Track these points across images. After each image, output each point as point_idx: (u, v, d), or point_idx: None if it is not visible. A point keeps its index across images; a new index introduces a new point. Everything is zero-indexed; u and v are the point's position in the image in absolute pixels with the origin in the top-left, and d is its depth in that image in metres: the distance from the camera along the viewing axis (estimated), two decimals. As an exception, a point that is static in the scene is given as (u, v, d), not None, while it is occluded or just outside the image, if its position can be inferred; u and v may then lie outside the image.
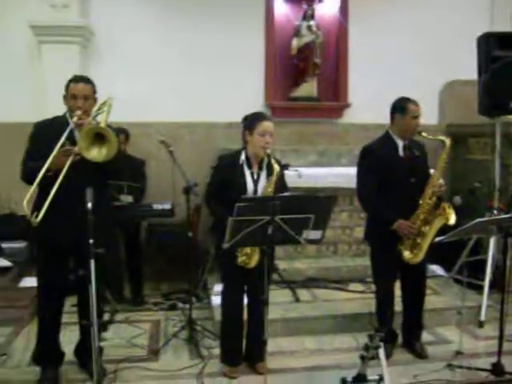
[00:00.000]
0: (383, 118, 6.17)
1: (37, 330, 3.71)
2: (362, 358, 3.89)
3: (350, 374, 3.76)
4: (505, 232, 3.69)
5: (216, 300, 4.93)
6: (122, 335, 4.58)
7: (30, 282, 4.91)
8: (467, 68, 6.05)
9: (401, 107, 4.02)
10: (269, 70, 6.26)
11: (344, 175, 5.53)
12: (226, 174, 3.81)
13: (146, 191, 5.38)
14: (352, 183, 5.36)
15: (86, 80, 3.57)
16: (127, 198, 4.87)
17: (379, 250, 4.17)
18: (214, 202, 3.86)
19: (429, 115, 6.34)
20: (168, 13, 6.10)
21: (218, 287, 5.22)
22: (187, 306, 5.19)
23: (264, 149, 3.71)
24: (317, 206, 3.22)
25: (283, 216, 3.13)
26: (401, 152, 4.06)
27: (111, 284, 5.00)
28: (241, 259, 3.75)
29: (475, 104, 5.32)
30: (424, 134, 3.97)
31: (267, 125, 3.76)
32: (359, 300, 5.04)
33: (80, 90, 3.48)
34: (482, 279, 5.38)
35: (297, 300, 4.99)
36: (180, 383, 3.82)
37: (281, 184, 3.84)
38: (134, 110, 5.60)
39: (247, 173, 3.81)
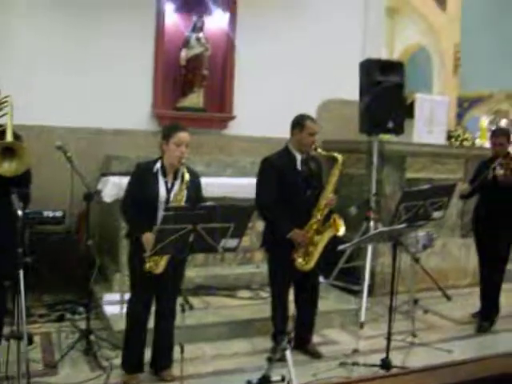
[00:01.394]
0: (266, 130, 6.56)
1: None
2: (270, 359, 4.09)
3: (253, 377, 3.94)
4: (394, 240, 4.10)
5: (110, 310, 4.87)
6: (12, 350, 4.33)
7: None
8: (345, 88, 6.57)
9: (299, 123, 4.29)
10: (157, 78, 6.27)
11: (231, 185, 5.72)
12: (141, 181, 3.83)
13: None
14: (239, 193, 5.62)
15: None
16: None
17: (276, 256, 4.39)
18: (129, 210, 3.86)
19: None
20: (59, 15, 5.89)
21: (109, 297, 5.16)
22: (76, 316, 5.09)
23: (179, 158, 3.76)
24: (236, 214, 3.34)
25: (205, 225, 3.22)
26: (298, 165, 4.31)
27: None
28: (148, 265, 3.75)
29: (351, 122, 5.80)
30: (319, 150, 4.26)
31: (183, 135, 3.82)
32: (250, 306, 5.24)
33: None
34: (356, 284, 5.86)
35: (190, 308, 5.05)
36: (84, 396, 3.73)
37: (196, 194, 3.89)
38: (18, 113, 5.31)
39: (161, 181, 3.83)
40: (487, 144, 7.64)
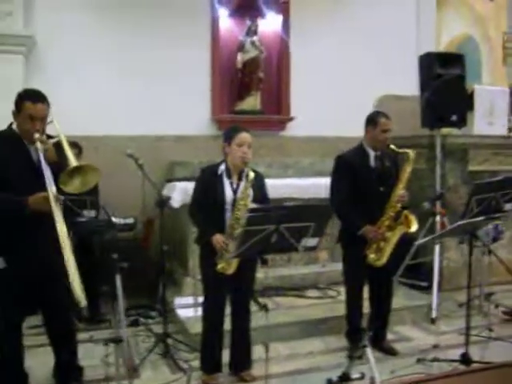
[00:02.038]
0: (323, 130, 6.56)
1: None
2: (350, 357, 4.11)
3: (331, 375, 3.95)
4: (470, 234, 4.05)
5: (183, 313, 4.95)
6: (93, 355, 4.44)
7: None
8: (398, 83, 6.53)
9: (372, 120, 4.30)
10: (215, 83, 6.36)
11: (294, 186, 5.74)
12: (207, 186, 3.88)
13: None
14: (301, 193, 5.64)
15: (43, 99, 3.32)
16: (90, 213, 4.74)
17: (350, 253, 4.40)
18: (198, 214, 3.92)
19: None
20: (115, 25, 6.03)
21: (181, 300, 5.24)
22: (149, 321, 5.19)
23: (242, 159, 3.81)
24: (316, 214, 3.36)
25: (288, 225, 3.24)
26: (372, 162, 4.31)
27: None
28: (220, 266, 3.80)
29: (406, 118, 5.75)
30: (392, 146, 4.25)
31: (244, 136, 3.87)
32: (320, 305, 5.25)
33: (38, 112, 3.26)
34: (423, 280, 5.81)
35: (266, 309, 5.07)
36: (170, 398, 3.81)
37: (261, 194, 3.94)
38: (78, 123, 5.44)
39: (226, 183, 3.87)
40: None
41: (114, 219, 4.82)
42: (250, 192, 3.79)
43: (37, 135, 3.23)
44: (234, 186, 3.88)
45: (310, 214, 3.31)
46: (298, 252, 3.46)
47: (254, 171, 3.84)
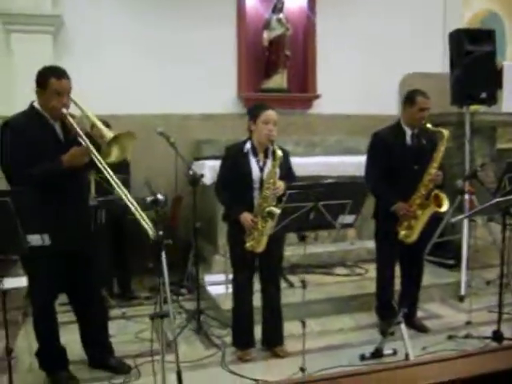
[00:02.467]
0: (349, 108, 6.54)
1: (38, 334, 3.63)
2: (383, 333, 4.14)
3: (363, 351, 3.99)
4: (503, 212, 4.04)
5: (214, 290, 5.00)
6: (126, 331, 4.53)
7: (13, 282, 4.72)
8: (425, 61, 6.48)
9: (409, 99, 4.27)
10: (241, 62, 6.35)
11: (322, 164, 5.74)
12: (233, 164, 3.89)
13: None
14: (329, 171, 5.63)
15: (65, 74, 3.37)
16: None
17: (382, 230, 4.41)
18: (223, 192, 3.95)
19: (391, 105, 6.76)
20: (140, 5, 6.03)
21: (211, 277, 5.30)
22: (180, 297, 5.25)
23: (268, 136, 3.80)
24: (353, 191, 3.37)
25: (326, 202, 3.26)
26: (408, 140, 4.29)
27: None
28: (249, 244, 3.83)
29: (433, 96, 5.69)
30: (428, 125, 4.21)
31: (270, 113, 3.86)
32: (348, 283, 5.30)
33: (64, 87, 3.32)
34: (450, 258, 5.81)
35: (291, 285, 5.13)
36: (207, 372, 3.86)
37: (287, 171, 3.94)
38: (104, 102, 5.46)
39: (253, 161, 3.88)
40: None
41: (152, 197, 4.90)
42: (277, 170, 3.78)
43: (65, 110, 3.30)
44: (261, 163, 3.89)
45: (347, 192, 3.33)
46: (336, 229, 3.49)
47: (281, 148, 3.83)
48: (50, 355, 3.65)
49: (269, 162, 3.86)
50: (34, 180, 3.19)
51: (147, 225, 2.87)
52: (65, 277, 3.60)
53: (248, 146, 3.91)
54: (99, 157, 3.21)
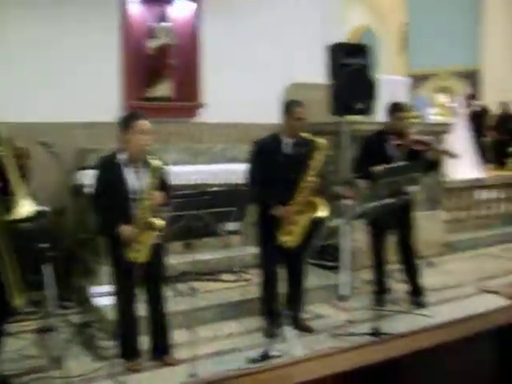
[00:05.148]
0: (235, 116, 6.67)
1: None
2: (268, 336, 4.27)
3: (251, 354, 4.11)
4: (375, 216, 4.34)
5: (101, 301, 4.90)
6: (8, 348, 4.32)
7: None
8: (308, 73, 6.75)
9: (287, 109, 4.44)
10: (125, 70, 6.28)
11: (205, 172, 5.82)
12: (107, 175, 3.84)
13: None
14: (213, 179, 5.73)
15: None
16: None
17: (264, 236, 4.53)
18: (99, 205, 3.89)
19: (275, 114, 6.96)
20: (24, 10, 5.82)
21: (97, 289, 5.18)
22: (66, 311, 5.10)
23: (144, 146, 3.79)
24: (237, 198, 3.50)
25: (210, 210, 3.34)
26: (285, 148, 4.45)
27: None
28: (131, 255, 3.79)
29: (315, 105, 5.97)
30: (303, 134, 4.40)
31: (144, 123, 3.84)
32: (236, 288, 5.37)
33: None
34: (331, 261, 6.09)
35: (179, 294, 5.14)
36: (96, 386, 3.80)
37: (163, 182, 3.90)
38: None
39: (128, 171, 3.84)
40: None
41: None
42: (154, 180, 3.74)
43: None
44: (137, 174, 3.84)
45: (230, 199, 3.42)
46: (221, 236, 3.58)
47: (156, 159, 3.79)
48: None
49: (145, 173, 3.81)
50: None
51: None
52: None
53: (121, 156, 3.85)
54: None
